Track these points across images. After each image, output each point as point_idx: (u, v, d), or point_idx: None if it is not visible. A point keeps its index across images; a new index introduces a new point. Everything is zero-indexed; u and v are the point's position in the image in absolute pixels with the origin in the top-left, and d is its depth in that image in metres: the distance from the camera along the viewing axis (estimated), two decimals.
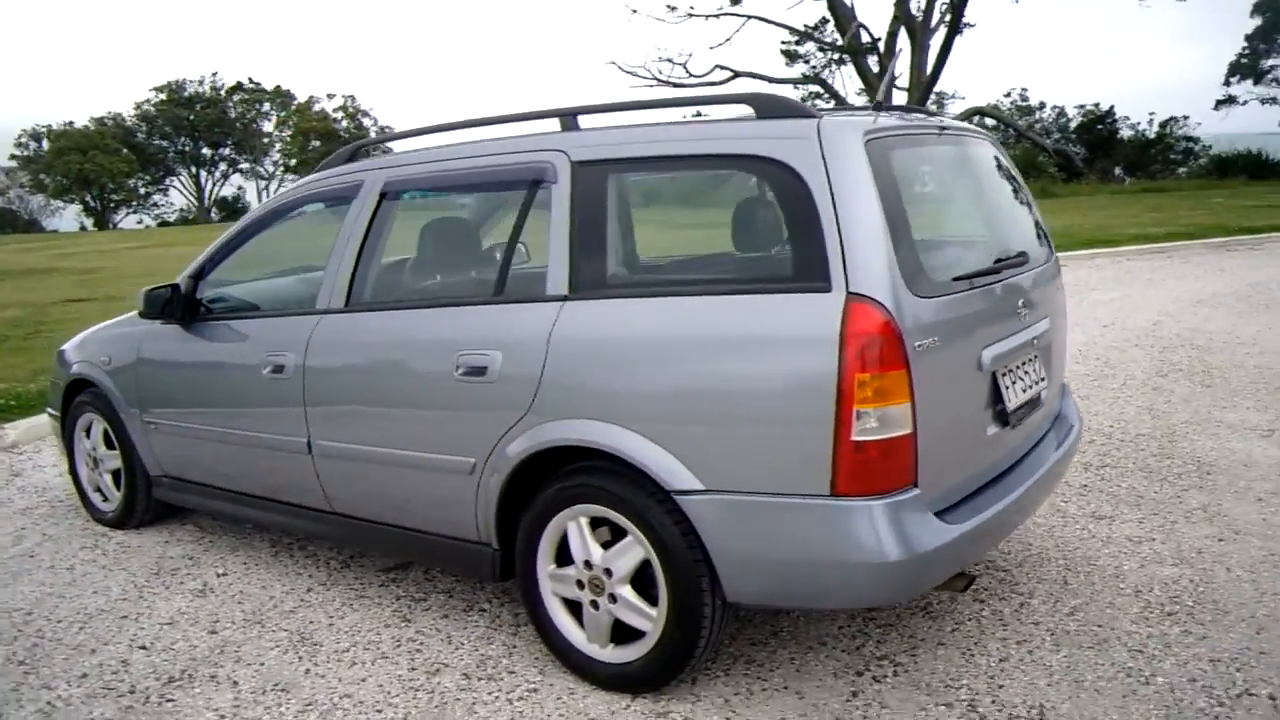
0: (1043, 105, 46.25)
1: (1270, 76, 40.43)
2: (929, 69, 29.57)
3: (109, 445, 4.57)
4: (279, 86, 61.19)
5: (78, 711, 3.00)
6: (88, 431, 4.66)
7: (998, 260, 3.02)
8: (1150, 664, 2.95)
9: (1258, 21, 39.91)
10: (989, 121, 36.68)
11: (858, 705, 2.81)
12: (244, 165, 60.54)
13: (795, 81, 35.06)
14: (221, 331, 3.99)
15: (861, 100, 31.27)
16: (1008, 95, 46.44)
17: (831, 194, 2.54)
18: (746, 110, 2.84)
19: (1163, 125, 40.23)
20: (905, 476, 2.52)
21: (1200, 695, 2.76)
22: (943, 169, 3.12)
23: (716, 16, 32.43)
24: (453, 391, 3.09)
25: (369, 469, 3.40)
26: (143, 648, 3.40)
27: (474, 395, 3.03)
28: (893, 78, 30.92)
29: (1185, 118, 40.27)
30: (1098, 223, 18.52)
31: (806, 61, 36.52)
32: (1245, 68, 40.48)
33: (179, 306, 4.06)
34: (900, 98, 30.62)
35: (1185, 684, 2.83)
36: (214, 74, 63.03)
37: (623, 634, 2.91)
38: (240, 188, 60.95)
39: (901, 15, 30.01)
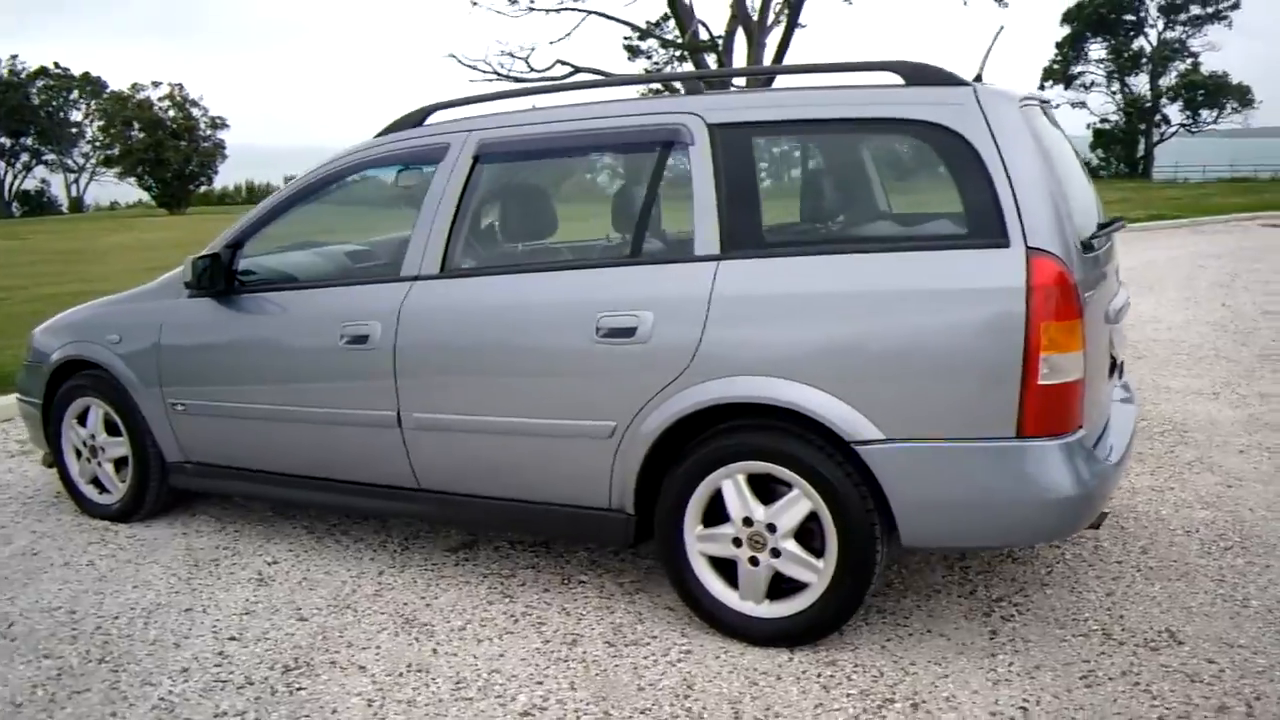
0: None
1: (1079, 82, 44.11)
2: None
3: (111, 432, 4.20)
4: (87, 73, 56.86)
5: (200, 706, 2.78)
6: (81, 418, 4.27)
7: (1100, 225, 3.25)
8: (1237, 590, 3.24)
9: (1067, 30, 43.50)
10: None
11: (1002, 641, 2.96)
12: (49, 157, 55.82)
13: (637, 80, 35.60)
14: (272, 304, 3.74)
15: None
16: None
17: (1000, 156, 2.68)
18: (890, 78, 2.94)
19: None
20: (1077, 419, 2.69)
21: None
22: (1050, 139, 3.33)
23: (557, 11, 32.52)
24: (592, 355, 3.04)
25: (476, 440, 3.29)
26: (233, 639, 3.17)
27: (619, 357, 2.99)
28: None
29: None
30: None
31: (649, 58, 37.11)
32: (1056, 73, 44.01)
33: (220, 278, 3.78)
34: None
35: (1276, 605, 3.13)
36: (13, 57, 57.83)
37: (775, 590, 2.95)
38: (44, 180, 56.19)
39: (739, 13, 30.92)
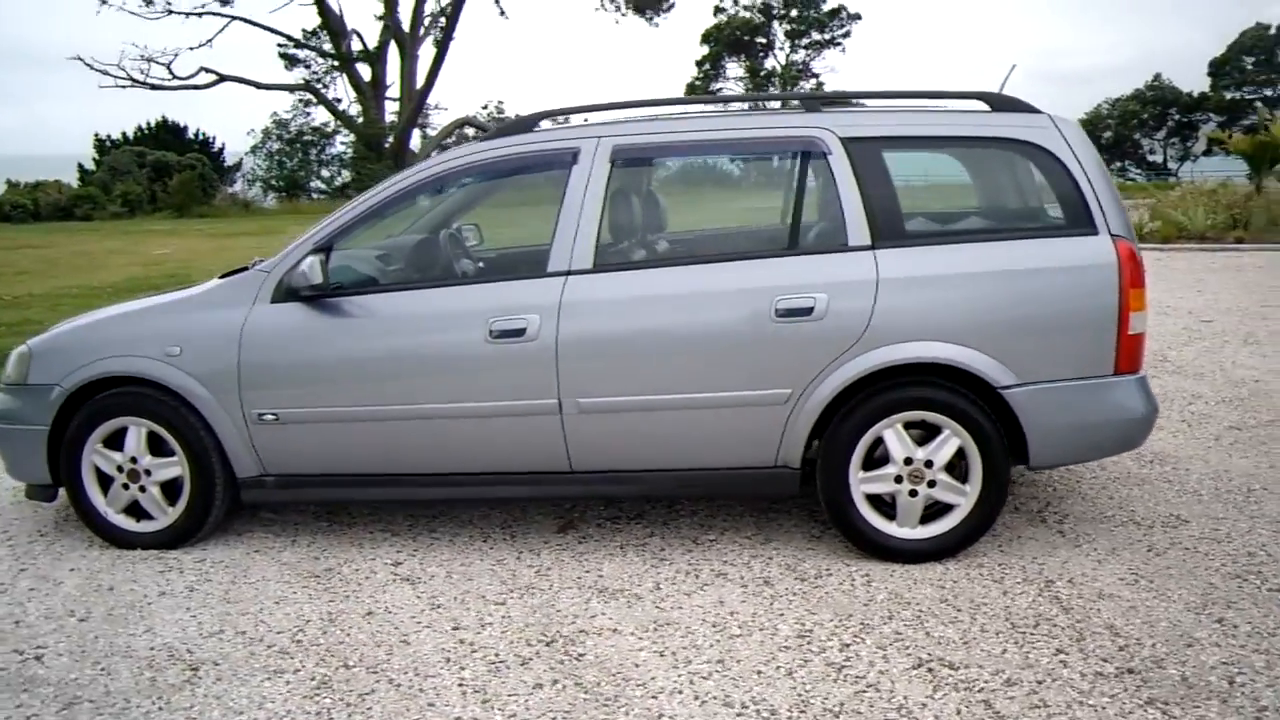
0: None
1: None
2: (421, 80, 30.99)
3: (156, 453, 3.92)
4: None
5: (509, 676, 2.92)
6: (109, 441, 3.92)
7: None
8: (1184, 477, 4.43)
9: (706, 50, 47.74)
10: (468, 131, 38.97)
11: (1073, 537, 3.86)
12: None
13: (287, 87, 34.33)
14: (388, 305, 3.77)
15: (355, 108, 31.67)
16: (485, 108, 48.73)
17: (1081, 166, 3.57)
18: (977, 105, 3.74)
19: None
20: (1142, 360, 3.65)
21: None
22: None
23: (199, 15, 30.60)
24: (768, 332, 3.52)
25: (643, 418, 3.62)
26: (457, 629, 3.26)
27: (796, 333, 3.51)
28: (384, 87, 32.00)
29: None
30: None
31: (308, 67, 35.80)
32: (699, 90, 48.16)
33: (323, 281, 3.73)
34: (393, 108, 31.53)
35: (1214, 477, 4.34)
36: None
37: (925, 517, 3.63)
38: None
39: (391, 26, 30.93)
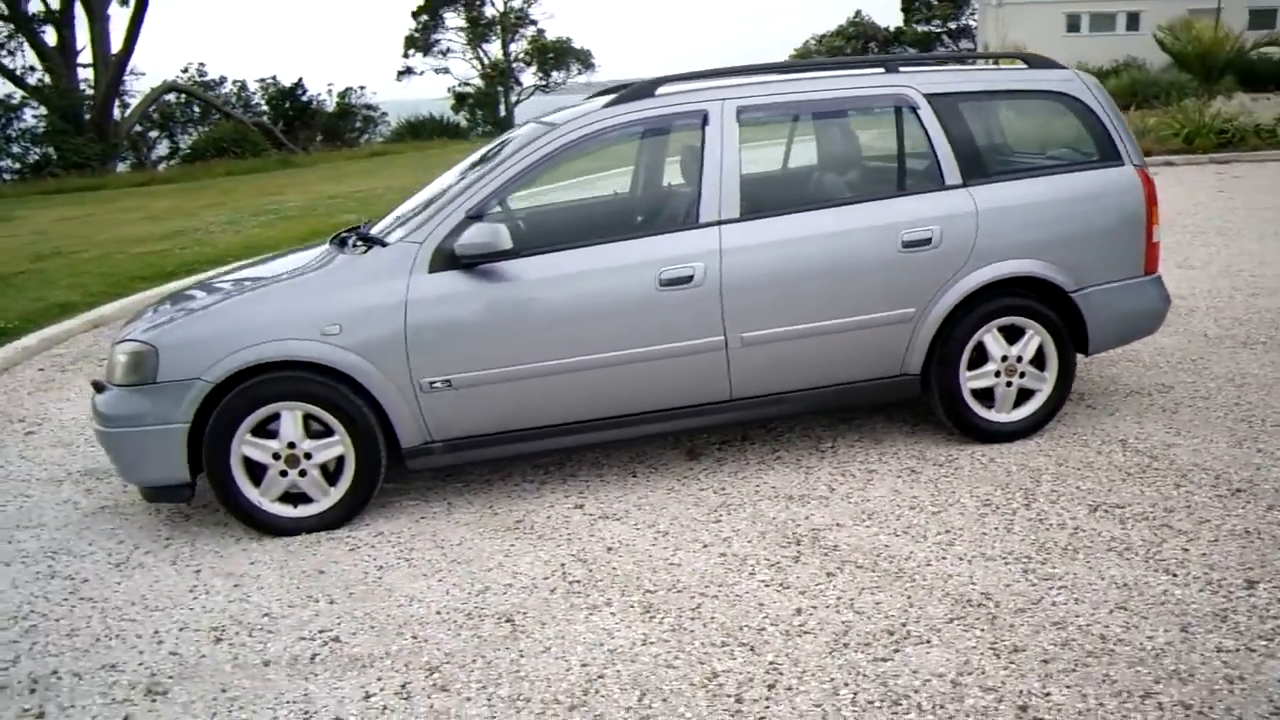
0: (223, 80, 46.06)
1: (437, 49, 47.40)
2: (119, 45, 28.32)
3: (315, 435, 3.87)
4: None
5: (799, 570, 3.35)
6: (260, 430, 3.82)
7: None
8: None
9: (421, 2, 46.27)
10: (170, 98, 35.89)
11: (1116, 412, 4.79)
12: None
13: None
14: (555, 264, 3.95)
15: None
16: (185, 71, 44.73)
17: (1106, 111, 4.45)
18: (1019, 64, 4.54)
19: (341, 95, 43.11)
20: (1159, 263, 4.61)
21: None
22: None
23: None
24: (896, 261, 4.13)
25: (797, 345, 4.10)
26: (707, 547, 3.62)
27: (918, 261, 4.14)
28: (75, 53, 28.82)
29: (363, 88, 43.54)
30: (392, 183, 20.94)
31: None
32: (418, 41, 46.74)
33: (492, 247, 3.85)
34: (87, 74, 28.46)
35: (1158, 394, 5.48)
36: None
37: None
38: None
39: None
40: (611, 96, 4.24)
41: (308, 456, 3.87)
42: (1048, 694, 2.65)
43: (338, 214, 13.57)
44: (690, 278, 3.97)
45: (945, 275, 4.18)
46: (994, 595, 3.16)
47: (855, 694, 2.71)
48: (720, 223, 4.05)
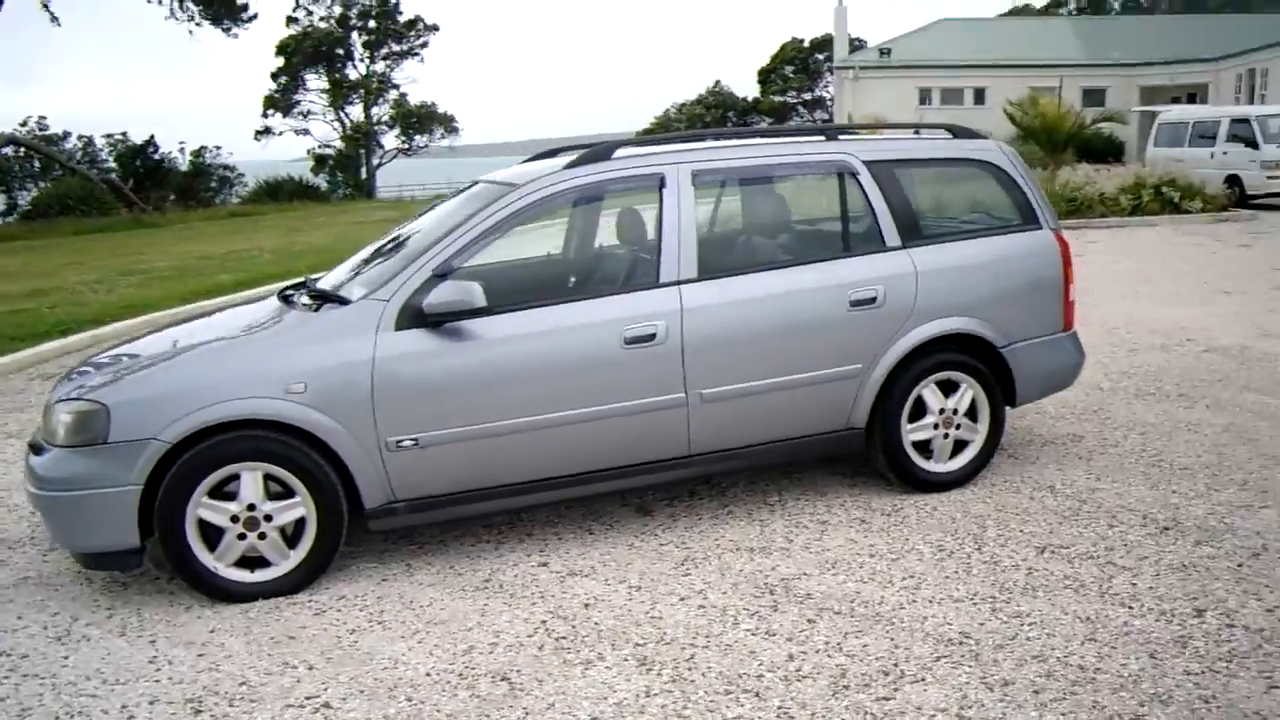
0: (67, 135, 43.78)
1: (297, 110, 46.50)
2: None
3: (275, 496, 3.73)
4: None
5: (780, 618, 3.42)
6: (216, 491, 3.66)
7: None
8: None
9: (282, 61, 45.46)
10: (7, 151, 33.95)
11: (1036, 460, 5.11)
12: None
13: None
14: (520, 322, 3.97)
15: None
16: (24, 125, 42.26)
17: (1024, 179, 4.84)
18: (942, 134, 4.87)
19: (195, 154, 41.61)
20: (1074, 320, 4.98)
21: None
22: None
23: None
24: (845, 320, 4.34)
25: (753, 400, 4.24)
26: (684, 599, 3.65)
27: (865, 319, 4.36)
28: None
29: (218, 147, 42.19)
30: (279, 243, 20.41)
31: None
32: (278, 102, 45.77)
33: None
34: None
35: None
36: None
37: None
38: None
39: None
40: (570, 159, 4.33)
41: (268, 519, 3.73)
42: None
43: (215, 274, 13.12)
44: (653, 336, 4.06)
45: (890, 332, 4.41)
46: (971, 634, 3.32)
47: None
48: (680, 282, 4.17)
